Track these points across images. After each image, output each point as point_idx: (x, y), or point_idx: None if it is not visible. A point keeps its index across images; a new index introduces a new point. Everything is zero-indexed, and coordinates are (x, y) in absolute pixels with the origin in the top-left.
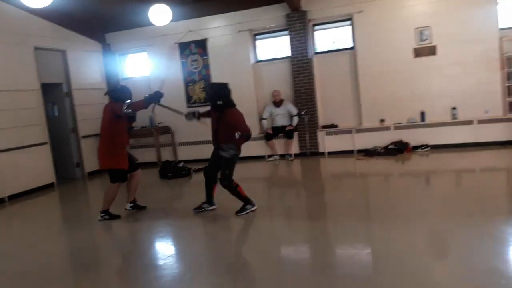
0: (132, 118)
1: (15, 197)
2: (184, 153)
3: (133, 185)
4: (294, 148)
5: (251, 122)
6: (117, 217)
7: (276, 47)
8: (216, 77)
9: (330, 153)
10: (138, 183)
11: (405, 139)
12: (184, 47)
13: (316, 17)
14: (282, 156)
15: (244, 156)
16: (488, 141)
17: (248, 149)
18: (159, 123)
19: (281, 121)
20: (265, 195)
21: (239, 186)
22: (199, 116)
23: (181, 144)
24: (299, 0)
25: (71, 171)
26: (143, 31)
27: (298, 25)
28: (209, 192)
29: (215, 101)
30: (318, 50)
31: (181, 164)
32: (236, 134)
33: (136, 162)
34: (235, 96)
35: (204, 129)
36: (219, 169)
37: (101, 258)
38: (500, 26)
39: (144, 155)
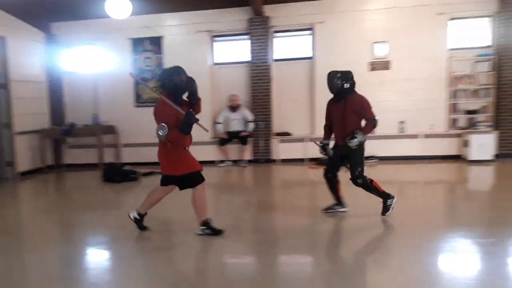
0: None
1: None
2: (129, 156)
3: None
4: (248, 154)
5: (206, 126)
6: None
7: (235, 50)
8: None
9: (283, 161)
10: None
11: None
12: (138, 43)
13: (278, 24)
14: (235, 162)
15: None
16: (433, 155)
17: (199, 153)
18: (103, 121)
19: (236, 126)
20: (213, 203)
21: (373, 181)
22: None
23: (126, 145)
24: (262, 5)
25: (0, 170)
26: (93, 24)
27: (260, 30)
28: (336, 193)
29: (342, 85)
30: (277, 57)
31: (127, 167)
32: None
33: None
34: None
35: (151, 130)
36: (339, 168)
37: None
38: (449, 47)
39: (84, 156)
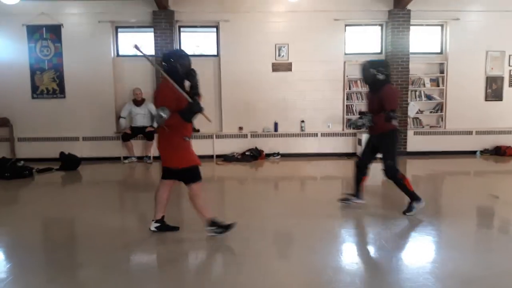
0: None
1: None
2: (25, 151)
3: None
4: (153, 150)
5: (109, 120)
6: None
7: (141, 43)
8: (70, 68)
9: None
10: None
11: (259, 147)
12: (34, 31)
13: (184, 19)
14: (140, 158)
15: (97, 157)
16: (330, 152)
17: (102, 149)
18: None
19: (141, 121)
20: (117, 200)
21: (406, 178)
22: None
23: (21, 139)
24: None
25: None
26: None
27: (164, 24)
28: (357, 184)
29: (375, 76)
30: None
31: (21, 163)
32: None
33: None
34: (91, 90)
35: (54, 123)
36: (372, 160)
37: None
38: (346, 52)
39: None
